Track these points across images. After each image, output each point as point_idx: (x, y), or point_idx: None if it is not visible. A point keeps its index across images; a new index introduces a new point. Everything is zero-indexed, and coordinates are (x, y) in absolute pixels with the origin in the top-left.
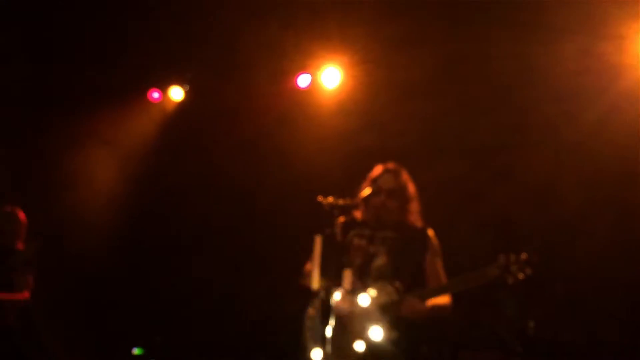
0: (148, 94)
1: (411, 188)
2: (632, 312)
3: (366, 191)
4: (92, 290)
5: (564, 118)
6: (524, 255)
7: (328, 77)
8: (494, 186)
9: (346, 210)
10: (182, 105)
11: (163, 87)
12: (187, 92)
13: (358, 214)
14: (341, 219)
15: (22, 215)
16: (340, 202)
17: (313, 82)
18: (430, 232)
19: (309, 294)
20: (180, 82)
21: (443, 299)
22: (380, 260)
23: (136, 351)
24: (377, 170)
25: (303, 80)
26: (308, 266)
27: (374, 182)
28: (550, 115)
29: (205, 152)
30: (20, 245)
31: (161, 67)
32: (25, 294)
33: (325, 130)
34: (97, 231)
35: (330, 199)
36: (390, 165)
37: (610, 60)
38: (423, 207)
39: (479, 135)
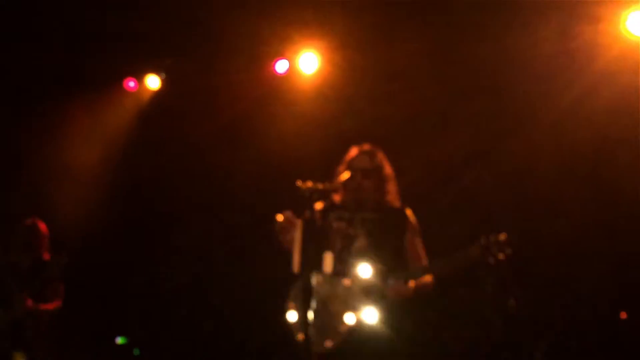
0: (124, 83)
1: (387, 169)
2: (610, 289)
3: (344, 175)
4: (73, 279)
5: (542, 99)
6: (503, 236)
7: (306, 63)
8: (473, 168)
9: (325, 194)
10: (159, 93)
11: (139, 76)
12: (163, 81)
13: (337, 198)
14: (320, 203)
15: (43, 226)
16: (319, 186)
17: (291, 68)
18: (409, 212)
19: (290, 276)
20: (156, 70)
21: (426, 278)
22: (360, 242)
23: (120, 340)
24: (353, 152)
25: (281, 66)
26: (278, 217)
27: (350, 164)
28: (527, 96)
29: (184, 140)
30: (46, 256)
31: (137, 55)
32: (58, 303)
33: (303, 116)
34: (75, 220)
35: (309, 184)
36: (366, 146)
37: (587, 42)
38: (401, 188)
39: (457, 118)
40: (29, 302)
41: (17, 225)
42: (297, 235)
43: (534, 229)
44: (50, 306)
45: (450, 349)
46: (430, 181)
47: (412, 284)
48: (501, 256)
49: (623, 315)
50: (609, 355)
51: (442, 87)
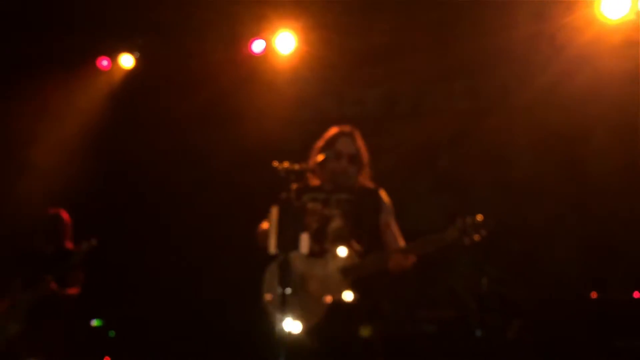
0: (97, 62)
1: (365, 153)
2: (582, 269)
3: (321, 156)
4: None
5: (517, 82)
6: (479, 217)
7: (282, 43)
8: (449, 149)
9: (302, 175)
10: (132, 73)
11: (112, 55)
12: (137, 60)
13: (312, 178)
14: (295, 184)
15: (66, 215)
16: (296, 167)
17: (267, 48)
18: (382, 193)
19: (267, 257)
20: (130, 49)
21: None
22: (336, 223)
23: (95, 323)
24: (333, 132)
25: (257, 46)
26: (263, 225)
27: (331, 145)
28: (503, 79)
29: (158, 120)
30: (69, 245)
31: (110, 33)
32: (77, 289)
33: (281, 97)
34: (48, 202)
35: (286, 164)
36: (346, 128)
37: (563, 25)
38: (379, 169)
39: (434, 100)
40: (54, 285)
41: (41, 214)
42: (273, 216)
43: (508, 210)
44: (72, 291)
45: (424, 329)
46: (408, 162)
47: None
48: (477, 237)
49: (594, 295)
50: (581, 334)
51: (420, 68)
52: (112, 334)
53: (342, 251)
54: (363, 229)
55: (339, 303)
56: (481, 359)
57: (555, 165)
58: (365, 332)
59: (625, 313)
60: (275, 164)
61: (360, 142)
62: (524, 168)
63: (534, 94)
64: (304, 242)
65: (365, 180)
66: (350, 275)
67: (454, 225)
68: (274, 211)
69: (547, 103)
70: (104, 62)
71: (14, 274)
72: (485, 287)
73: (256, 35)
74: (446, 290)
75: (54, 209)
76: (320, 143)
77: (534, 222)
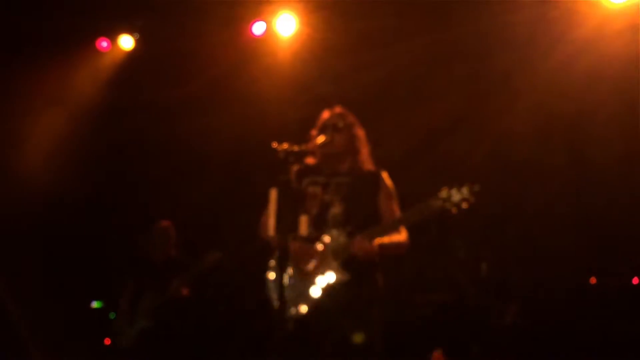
0: (96, 43)
1: (360, 131)
2: (581, 254)
3: (320, 138)
4: (47, 246)
5: (520, 66)
6: (465, 187)
7: (283, 25)
8: (451, 133)
9: (301, 156)
10: (132, 54)
11: (112, 36)
12: (137, 41)
13: (311, 162)
14: (295, 167)
15: (172, 226)
16: (295, 148)
17: (268, 30)
18: (384, 175)
19: (268, 246)
20: (130, 30)
21: (396, 237)
22: (335, 209)
23: (95, 304)
24: (325, 114)
25: (258, 28)
26: (265, 219)
27: (322, 124)
28: (506, 63)
29: (158, 102)
30: (174, 253)
31: (110, 14)
32: (186, 292)
33: (281, 79)
34: (46, 186)
35: (285, 145)
36: (337, 108)
37: (567, 9)
38: (381, 153)
39: (435, 83)
40: (185, 290)
41: (154, 226)
42: (272, 199)
43: (508, 194)
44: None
45: (422, 312)
46: (410, 146)
47: (378, 241)
48: (465, 205)
49: (593, 280)
50: (579, 319)
51: (422, 52)
52: (112, 316)
53: (337, 236)
54: (362, 214)
55: (331, 286)
56: (479, 343)
57: (555, 150)
58: (358, 338)
59: (625, 299)
60: (275, 145)
61: (352, 120)
62: (525, 153)
63: (535, 78)
64: (303, 224)
65: (365, 160)
66: (341, 256)
67: (438, 194)
68: (273, 194)
69: (549, 88)
70: (103, 44)
71: (127, 278)
72: (484, 272)
73: (257, 17)
74: (444, 274)
75: (165, 222)
76: (316, 126)
77: (534, 207)
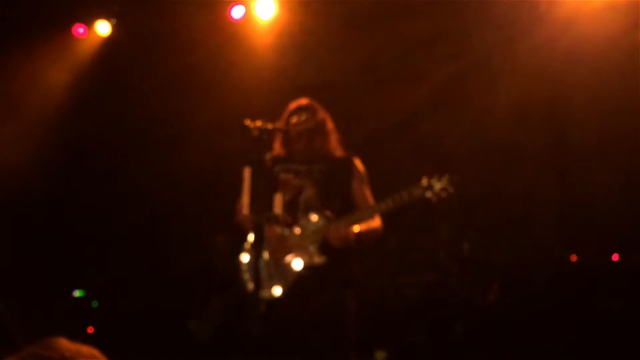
0: (72, 29)
1: (329, 123)
2: (561, 232)
3: (293, 118)
4: (26, 234)
5: (499, 47)
6: (445, 177)
7: (262, 8)
8: (431, 115)
9: (274, 134)
10: (109, 40)
11: (88, 22)
12: (114, 26)
13: (282, 148)
14: (268, 154)
15: None
16: (269, 126)
17: (247, 14)
18: (357, 161)
19: (244, 229)
20: (106, 16)
21: (373, 224)
22: (308, 193)
23: (77, 293)
24: (291, 108)
25: (237, 12)
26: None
27: (293, 125)
28: (485, 43)
29: (135, 87)
30: None
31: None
32: None
33: (260, 63)
34: (23, 174)
35: (259, 123)
36: (304, 101)
37: None
38: (359, 136)
39: (415, 65)
40: None
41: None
42: (246, 179)
43: (489, 175)
44: None
45: (405, 293)
46: (390, 127)
47: (354, 228)
48: (444, 194)
49: (573, 258)
50: (560, 296)
51: (401, 34)
52: (94, 304)
53: (313, 219)
54: (335, 198)
55: (308, 269)
56: (462, 323)
57: (535, 130)
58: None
59: (605, 275)
60: (248, 122)
61: (322, 113)
62: (505, 133)
63: (516, 58)
64: (277, 202)
65: (336, 148)
66: (317, 239)
67: (419, 182)
68: (247, 172)
69: (529, 68)
70: (79, 30)
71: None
72: (467, 252)
73: (236, 0)
74: (427, 255)
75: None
76: (281, 123)
77: (515, 187)
